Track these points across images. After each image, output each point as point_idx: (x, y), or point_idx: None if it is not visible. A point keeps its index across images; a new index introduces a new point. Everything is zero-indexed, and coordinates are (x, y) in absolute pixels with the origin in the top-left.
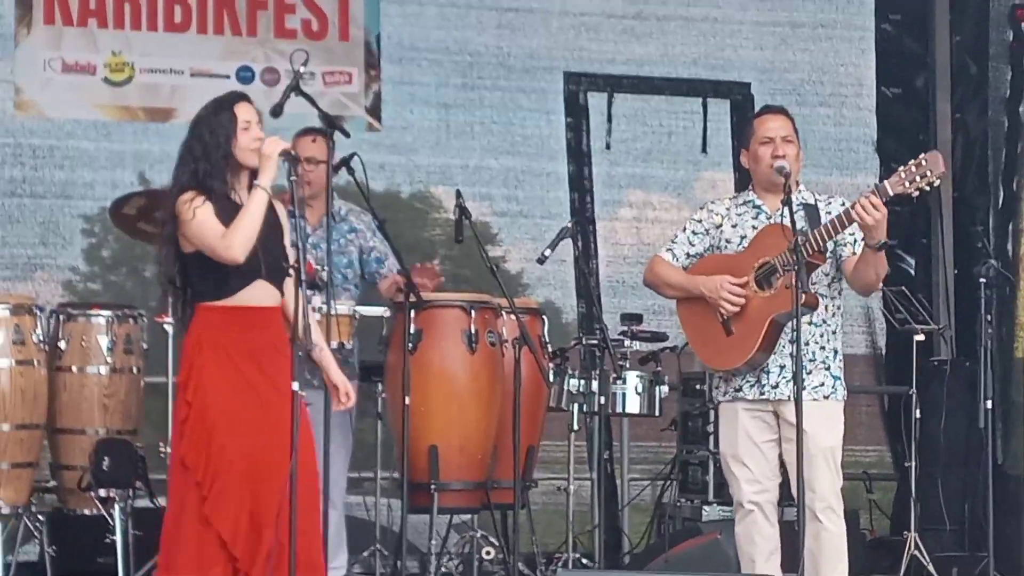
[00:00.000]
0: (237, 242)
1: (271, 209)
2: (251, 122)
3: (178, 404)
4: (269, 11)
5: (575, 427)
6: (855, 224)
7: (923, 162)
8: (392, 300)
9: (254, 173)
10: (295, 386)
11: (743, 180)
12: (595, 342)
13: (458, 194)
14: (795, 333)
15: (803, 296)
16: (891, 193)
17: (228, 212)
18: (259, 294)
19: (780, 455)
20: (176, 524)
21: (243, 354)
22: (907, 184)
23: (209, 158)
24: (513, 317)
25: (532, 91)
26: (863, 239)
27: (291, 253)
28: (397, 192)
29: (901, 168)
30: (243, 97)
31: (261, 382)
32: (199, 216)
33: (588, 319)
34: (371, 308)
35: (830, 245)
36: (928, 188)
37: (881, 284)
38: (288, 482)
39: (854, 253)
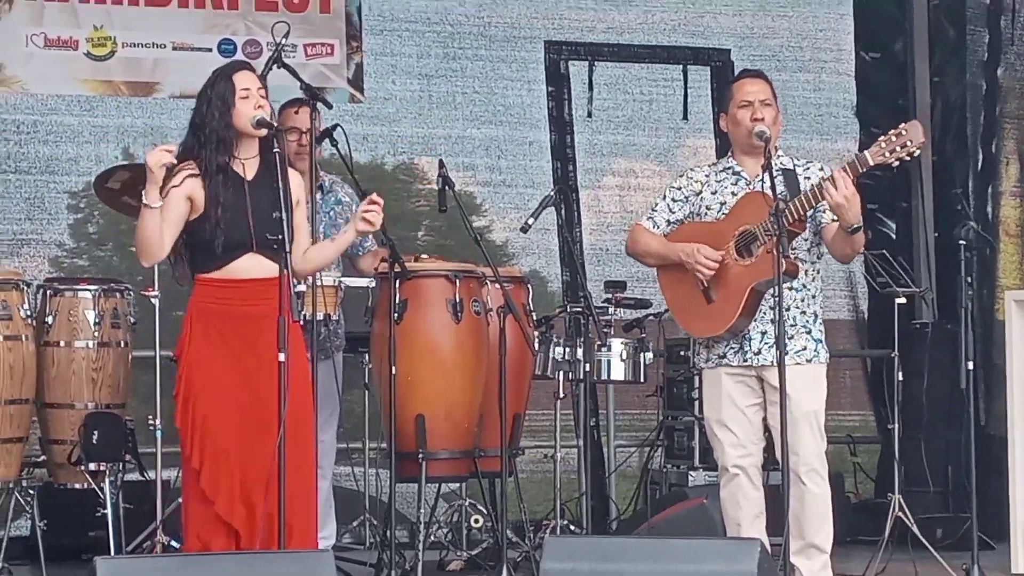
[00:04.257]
0: (138, 251)
1: (272, 181)
2: (250, 90)
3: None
4: None
5: (561, 395)
6: None
7: (903, 132)
8: (376, 271)
9: (260, 142)
10: (281, 357)
11: (724, 146)
12: (580, 310)
13: (441, 164)
14: (776, 299)
15: (784, 264)
16: (871, 163)
17: (225, 183)
18: (251, 266)
19: (764, 419)
20: (184, 496)
21: (231, 326)
22: (887, 154)
23: (206, 128)
24: (497, 286)
25: (513, 60)
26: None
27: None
28: (381, 164)
29: (881, 138)
30: (244, 66)
31: (248, 354)
32: (165, 204)
33: (572, 287)
34: (356, 279)
35: (809, 212)
36: (908, 158)
37: (862, 249)
38: (277, 452)
39: (833, 220)
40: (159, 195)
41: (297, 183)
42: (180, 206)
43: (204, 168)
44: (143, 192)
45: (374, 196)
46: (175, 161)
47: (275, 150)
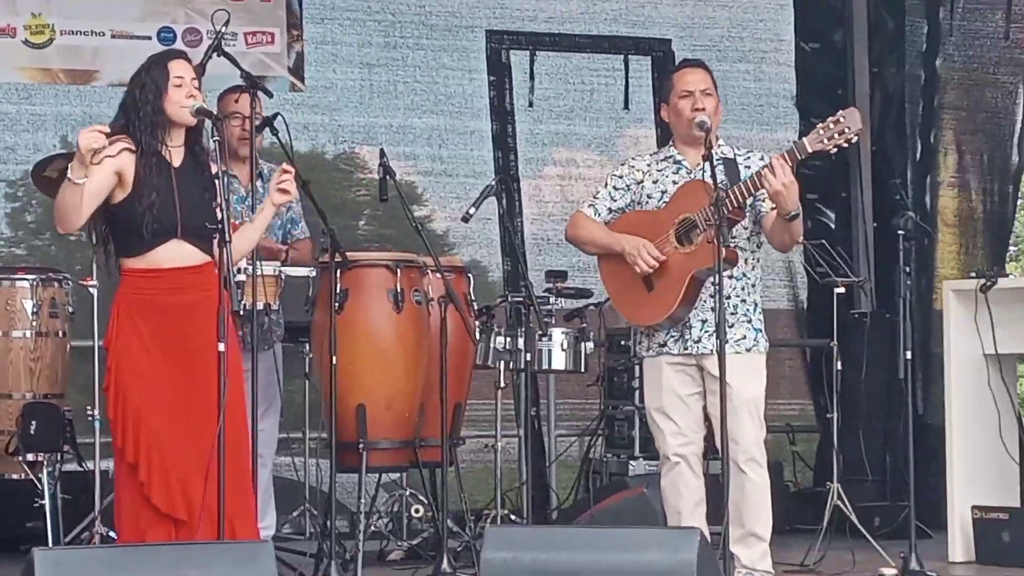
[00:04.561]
0: (57, 220)
1: (201, 168)
2: (184, 78)
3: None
4: None
5: (502, 384)
6: None
7: (841, 119)
8: (317, 260)
9: (189, 131)
10: (221, 346)
11: (665, 136)
12: (520, 299)
13: (382, 153)
14: (716, 288)
15: (723, 251)
16: (809, 150)
17: (156, 167)
18: (176, 253)
19: (704, 408)
20: (117, 488)
21: (159, 317)
22: (825, 141)
23: (139, 112)
24: (438, 275)
25: (455, 50)
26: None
27: (219, 213)
28: (321, 153)
29: (819, 125)
30: (179, 55)
31: (176, 344)
32: (94, 172)
33: (514, 277)
34: (297, 268)
35: (749, 200)
36: (847, 145)
37: (801, 239)
38: (215, 441)
39: (772, 208)
40: (85, 173)
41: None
42: (108, 178)
43: (139, 151)
44: (69, 166)
45: (285, 165)
46: (107, 145)
47: (215, 138)
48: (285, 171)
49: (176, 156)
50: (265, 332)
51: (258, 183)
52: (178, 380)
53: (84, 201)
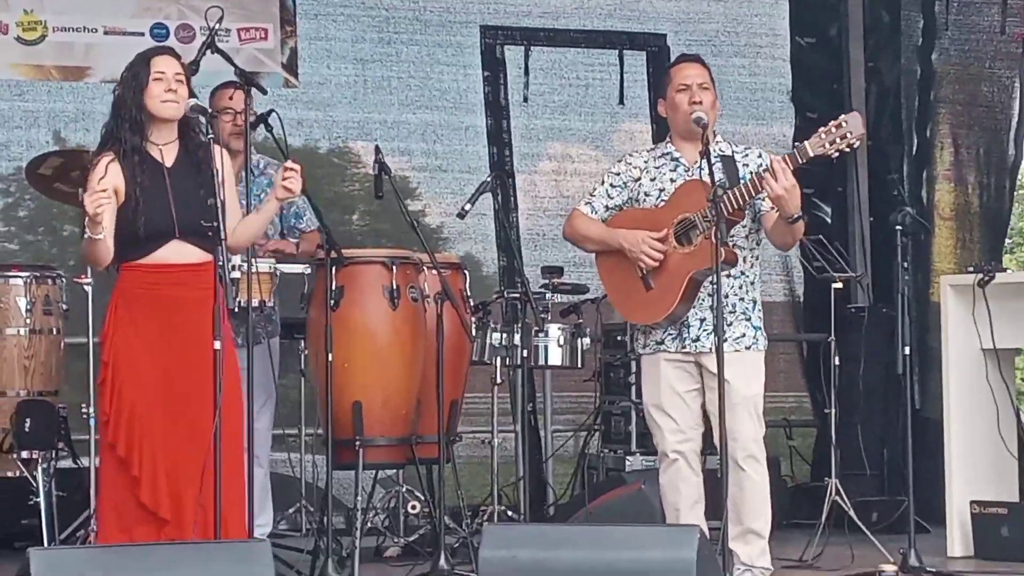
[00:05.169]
0: (89, 264)
1: (198, 166)
2: (165, 73)
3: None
4: None
5: (498, 380)
6: None
7: (843, 123)
8: (313, 257)
9: (180, 128)
10: (217, 344)
11: (660, 131)
12: (517, 295)
13: (377, 149)
14: (715, 287)
15: (723, 252)
16: (811, 154)
17: (140, 165)
18: (177, 253)
19: (703, 404)
20: (102, 484)
21: (157, 312)
22: (827, 145)
23: (122, 109)
24: (434, 272)
25: (449, 45)
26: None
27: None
28: (315, 148)
29: (821, 129)
30: (165, 51)
31: (173, 339)
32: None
33: (509, 272)
34: (292, 265)
35: (749, 201)
36: (848, 149)
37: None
38: (211, 439)
39: (772, 208)
40: (101, 227)
41: (226, 160)
42: (112, 199)
43: (121, 151)
44: (86, 225)
45: (289, 163)
46: (112, 197)
47: (209, 135)
48: (290, 168)
49: (168, 155)
50: (253, 329)
51: (262, 180)
52: (173, 376)
53: (109, 239)
